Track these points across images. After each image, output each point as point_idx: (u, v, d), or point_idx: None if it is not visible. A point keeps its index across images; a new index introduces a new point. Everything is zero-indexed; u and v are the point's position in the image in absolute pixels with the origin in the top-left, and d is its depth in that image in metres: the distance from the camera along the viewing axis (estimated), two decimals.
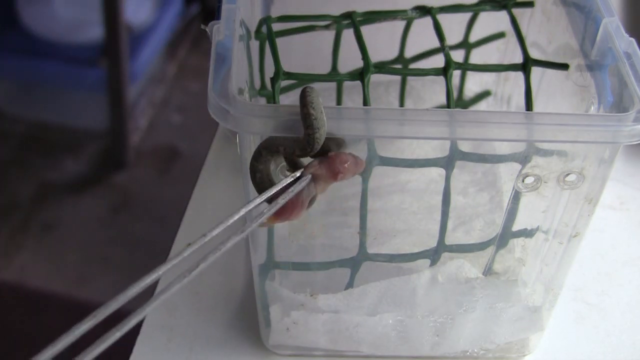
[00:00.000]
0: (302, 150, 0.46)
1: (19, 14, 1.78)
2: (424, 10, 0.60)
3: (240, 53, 0.53)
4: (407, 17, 0.61)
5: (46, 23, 1.77)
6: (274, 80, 0.53)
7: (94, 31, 1.74)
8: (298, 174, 0.46)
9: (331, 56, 0.65)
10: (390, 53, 0.69)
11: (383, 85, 0.72)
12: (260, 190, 0.47)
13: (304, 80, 0.55)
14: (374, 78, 0.54)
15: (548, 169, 0.50)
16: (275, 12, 0.65)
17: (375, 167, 0.51)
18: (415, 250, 0.57)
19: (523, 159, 0.50)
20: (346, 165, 0.46)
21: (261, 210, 0.45)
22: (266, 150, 0.47)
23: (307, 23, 0.61)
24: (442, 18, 0.59)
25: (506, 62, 0.68)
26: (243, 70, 0.55)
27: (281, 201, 0.45)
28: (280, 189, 0.46)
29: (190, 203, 0.74)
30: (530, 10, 0.64)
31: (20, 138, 1.83)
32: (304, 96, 0.45)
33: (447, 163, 0.52)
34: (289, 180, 0.46)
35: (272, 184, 0.47)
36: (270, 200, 0.45)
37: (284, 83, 0.54)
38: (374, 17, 0.60)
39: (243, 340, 0.63)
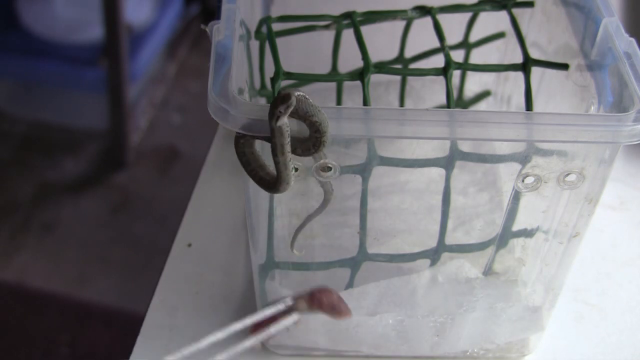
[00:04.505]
0: (306, 151, 0.46)
1: (19, 14, 1.78)
2: (424, 10, 0.60)
3: (240, 53, 0.53)
4: (407, 17, 0.61)
5: (46, 23, 1.77)
6: (274, 80, 0.54)
7: (94, 31, 1.74)
8: (282, 306, 0.46)
9: (331, 56, 0.65)
10: (390, 53, 0.69)
11: (383, 85, 0.72)
12: (250, 172, 0.48)
13: (304, 80, 0.55)
14: (374, 78, 0.54)
15: (548, 169, 0.50)
16: (275, 12, 0.65)
17: (375, 167, 0.51)
18: (415, 250, 0.57)
19: (523, 159, 0.50)
20: (332, 308, 0.46)
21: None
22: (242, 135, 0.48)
23: (307, 23, 0.61)
24: (442, 18, 0.59)
25: (506, 62, 0.68)
26: (243, 70, 0.55)
27: (270, 332, 0.45)
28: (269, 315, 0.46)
29: (190, 203, 0.74)
30: (530, 10, 0.64)
31: (20, 138, 1.83)
32: (294, 106, 0.45)
33: (447, 163, 0.52)
34: (273, 310, 0.46)
35: (259, 162, 0.48)
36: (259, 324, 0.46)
37: (284, 83, 0.54)
38: (374, 17, 0.60)
39: (243, 340, 0.63)
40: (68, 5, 1.80)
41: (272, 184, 0.48)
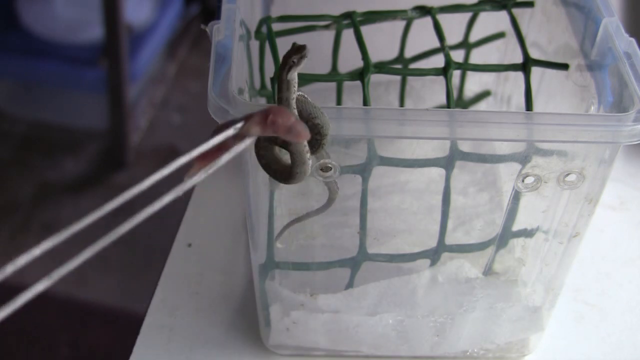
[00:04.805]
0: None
1: (19, 14, 1.79)
2: (424, 10, 0.60)
3: (240, 53, 0.53)
4: (407, 17, 0.61)
5: (46, 23, 1.77)
6: (273, 80, 0.53)
7: (94, 31, 1.74)
8: (231, 132, 0.40)
9: (331, 56, 0.65)
10: (390, 53, 0.69)
11: (383, 85, 0.72)
12: (270, 172, 0.47)
13: (304, 80, 0.55)
14: (374, 78, 0.54)
15: (548, 169, 0.50)
16: (275, 12, 0.65)
17: (375, 167, 0.51)
18: (415, 250, 0.57)
19: (523, 159, 0.50)
20: (288, 130, 0.41)
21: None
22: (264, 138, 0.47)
23: (307, 23, 0.61)
24: (442, 18, 0.59)
25: (506, 62, 0.68)
26: (243, 70, 0.55)
27: (221, 161, 0.42)
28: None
29: (190, 203, 0.74)
30: (530, 10, 0.64)
31: (20, 138, 1.83)
32: (299, 108, 0.45)
33: (447, 163, 0.52)
34: (221, 137, 0.41)
35: (279, 163, 0.47)
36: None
37: None
38: (374, 17, 0.60)
39: (243, 340, 0.63)
40: (68, 5, 1.80)
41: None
